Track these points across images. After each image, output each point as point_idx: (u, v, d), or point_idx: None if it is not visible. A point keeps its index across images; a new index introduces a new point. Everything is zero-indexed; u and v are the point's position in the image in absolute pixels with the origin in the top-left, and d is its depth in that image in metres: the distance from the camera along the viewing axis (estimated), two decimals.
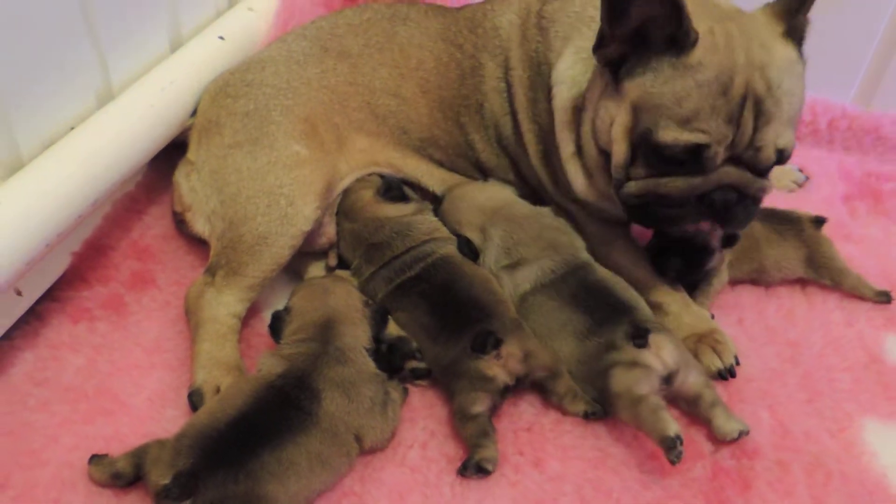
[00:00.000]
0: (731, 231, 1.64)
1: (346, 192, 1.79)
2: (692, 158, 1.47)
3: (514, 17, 1.83)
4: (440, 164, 1.89)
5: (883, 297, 1.81)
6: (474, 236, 1.72)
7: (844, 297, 1.84)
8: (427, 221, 1.73)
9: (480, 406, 1.44)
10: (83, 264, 1.70)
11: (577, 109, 1.68)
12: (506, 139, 1.84)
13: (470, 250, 1.70)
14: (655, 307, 1.66)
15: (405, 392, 1.53)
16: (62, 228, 1.47)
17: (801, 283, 1.87)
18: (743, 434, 1.46)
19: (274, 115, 1.71)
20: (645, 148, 1.51)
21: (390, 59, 1.85)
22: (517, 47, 1.79)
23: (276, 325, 1.49)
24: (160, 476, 1.24)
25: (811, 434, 1.52)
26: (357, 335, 1.47)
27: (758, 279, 1.85)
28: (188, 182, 1.73)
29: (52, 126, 1.56)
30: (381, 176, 1.81)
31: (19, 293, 1.56)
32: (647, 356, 1.45)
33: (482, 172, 1.89)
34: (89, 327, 1.61)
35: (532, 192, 1.85)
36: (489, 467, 1.39)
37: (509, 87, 1.80)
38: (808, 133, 2.39)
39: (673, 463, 1.33)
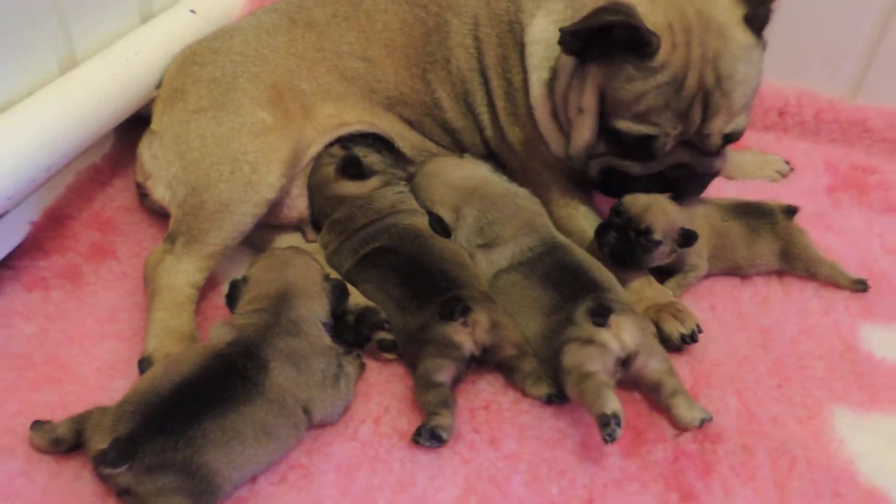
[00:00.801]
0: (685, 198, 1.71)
1: (314, 170, 1.76)
2: (644, 145, 1.58)
3: None
4: (410, 124, 1.87)
5: (859, 286, 1.76)
6: (447, 215, 1.69)
7: (822, 285, 1.79)
8: (390, 195, 1.70)
9: (444, 374, 1.41)
10: (42, 234, 1.67)
11: (554, 71, 1.69)
12: (471, 95, 1.83)
13: (442, 228, 1.68)
14: (618, 277, 1.63)
15: (362, 367, 1.49)
16: (12, 192, 1.44)
17: (778, 272, 1.83)
18: (705, 422, 1.42)
19: (241, 81, 1.69)
20: (603, 128, 1.61)
21: (356, 25, 1.84)
22: (485, 6, 1.79)
23: (233, 294, 1.45)
24: (99, 441, 1.21)
25: (778, 420, 1.48)
26: (313, 308, 1.43)
27: (732, 274, 1.81)
28: (150, 150, 1.70)
29: (10, 91, 1.54)
30: (344, 147, 1.78)
31: None
32: (603, 335, 1.41)
33: (449, 134, 1.87)
34: (44, 296, 1.58)
35: (493, 156, 1.86)
36: (444, 435, 1.35)
37: (478, 43, 1.79)
38: (794, 124, 2.35)
39: (605, 441, 1.29)
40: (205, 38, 1.81)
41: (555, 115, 1.71)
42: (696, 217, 1.71)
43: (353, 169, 1.72)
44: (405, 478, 1.32)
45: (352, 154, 1.75)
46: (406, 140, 1.86)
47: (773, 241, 1.78)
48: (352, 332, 1.50)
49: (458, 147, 1.91)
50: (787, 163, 2.22)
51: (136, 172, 1.76)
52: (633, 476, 1.36)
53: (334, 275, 1.60)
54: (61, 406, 1.37)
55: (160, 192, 1.67)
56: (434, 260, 1.56)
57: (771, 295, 1.77)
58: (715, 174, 1.71)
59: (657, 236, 1.60)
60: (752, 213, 1.80)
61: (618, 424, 1.28)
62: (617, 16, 1.47)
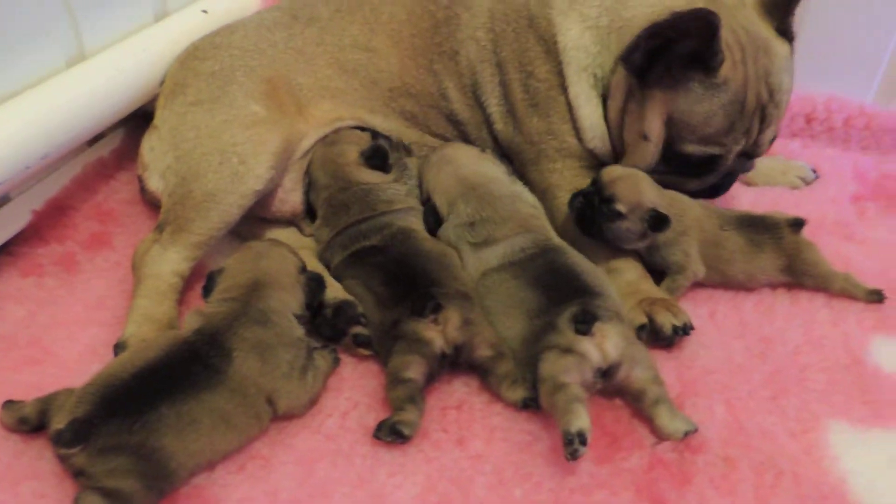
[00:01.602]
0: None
1: (330, 142, 1.75)
2: (707, 164, 1.68)
3: None
4: (412, 118, 1.85)
5: (874, 297, 1.66)
6: (442, 206, 1.67)
7: (835, 296, 1.70)
8: (390, 191, 1.68)
9: (414, 371, 1.38)
10: (43, 223, 1.72)
11: (597, 79, 1.72)
12: (480, 88, 1.81)
13: (434, 219, 1.66)
14: (613, 270, 1.62)
15: (336, 361, 1.48)
16: (4, 177, 1.48)
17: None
18: (689, 434, 1.36)
19: (237, 75, 1.71)
20: (666, 151, 1.66)
21: (361, 17, 1.84)
22: (499, 2, 1.80)
23: (209, 285, 1.46)
24: (59, 422, 1.23)
25: (768, 432, 1.40)
26: (284, 299, 1.42)
27: (731, 287, 1.72)
28: (149, 142, 1.74)
29: (14, 82, 1.58)
30: (374, 135, 1.78)
31: None
32: (584, 344, 1.35)
33: (455, 126, 1.86)
34: (37, 282, 1.62)
35: (500, 149, 1.84)
36: (405, 431, 1.32)
37: (493, 36, 1.79)
38: (822, 131, 2.25)
39: (567, 459, 1.24)
40: (208, 34, 1.83)
41: (605, 119, 1.73)
42: (685, 215, 1.65)
43: (378, 160, 1.72)
44: (365, 473, 1.30)
45: (381, 145, 1.75)
46: (405, 138, 1.84)
47: (776, 256, 1.69)
48: (328, 326, 1.48)
49: (464, 140, 1.88)
50: (814, 170, 2.12)
51: (137, 166, 1.79)
52: (602, 482, 1.30)
53: (318, 268, 1.60)
54: (38, 387, 1.38)
55: (154, 183, 1.70)
56: (419, 260, 1.54)
57: (777, 303, 1.69)
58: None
59: (620, 207, 1.57)
60: (754, 226, 1.70)
61: (582, 443, 1.23)
62: (703, 23, 1.48)
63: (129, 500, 1.18)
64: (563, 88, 1.74)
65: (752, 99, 1.58)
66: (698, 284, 1.70)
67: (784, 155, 2.18)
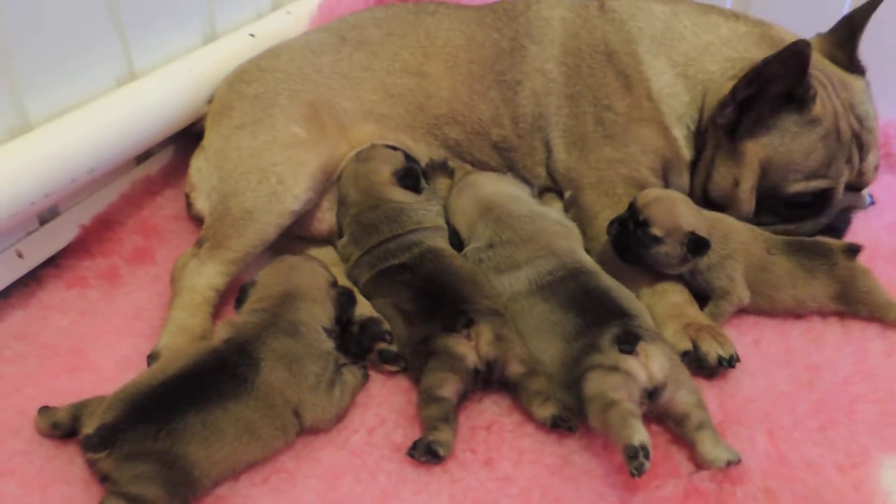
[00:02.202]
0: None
1: (364, 158, 1.75)
2: (819, 200, 1.68)
3: (565, 12, 1.86)
4: (456, 146, 1.85)
5: None
6: (463, 230, 1.67)
7: (890, 326, 1.62)
8: (420, 211, 1.67)
9: (448, 390, 1.36)
10: (90, 237, 1.76)
11: (688, 129, 1.75)
12: (545, 118, 1.81)
13: (457, 242, 1.66)
14: (657, 293, 1.58)
15: (365, 377, 1.46)
16: (50, 190, 1.53)
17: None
18: (731, 463, 1.29)
19: (280, 98, 1.74)
20: (770, 200, 1.67)
21: (414, 42, 1.86)
22: (572, 38, 1.82)
23: (241, 296, 1.47)
24: (88, 427, 1.24)
25: (814, 465, 1.32)
26: (315, 313, 1.42)
27: (778, 315, 1.65)
28: (196, 162, 1.78)
29: (65, 101, 1.64)
30: (406, 156, 1.79)
31: (20, 255, 1.63)
32: (630, 363, 1.31)
33: (500, 153, 1.85)
34: (81, 293, 1.66)
35: (549, 177, 1.84)
36: (440, 451, 1.29)
37: (565, 69, 1.81)
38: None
39: (632, 475, 1.18)
40: (255, 56, 1.87)
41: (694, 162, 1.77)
42: (730, 238, 1.60)
43: (411, 181, 1.72)
44: (389, 490, 1.27)
45: (414, 167, 1.76)
46: None
47: (829, 283, 1.61)
48: (353, 342, 1.48)
49: (508, 166, 1.87)
50: (870, 196, 2.04)
51: (184, 184, 1.83)
52: None
53: (349, 286, 1.59)
54: (75, 394, 1.41)
55: (201, 202, 1.73)
56: (449, 278, 1.53)
57: (827, 332, 1.61)
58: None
59: (655, 231, 1.52)
60: (806, 251, 1.63)
61: (646, 457, 1.19)
62: (796, 57, 1.53)
63: None
64: (649, 121, 1.75)
65: (846, 128, 1.62)
66: (744, 311, 1.64)
67: None
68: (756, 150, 1.64)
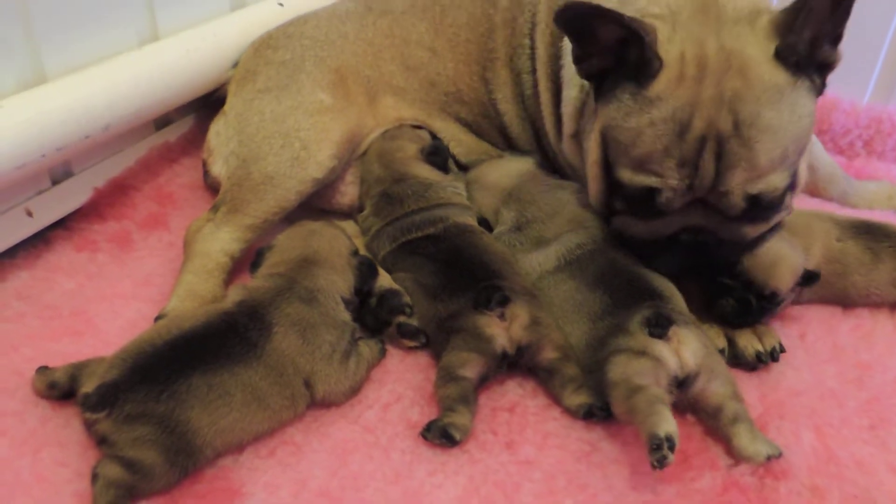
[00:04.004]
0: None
1: (390, 136, 1.69)
2: (647, 200, 1.33)
3: None
4: (467, 126, 1.78)
5: None
6: (490, 218, 1.59)
7: None
8: (448, 188, 1.60)
9: (469, 370, 1.27)
10: (103, 201, 1.70)
11: (583, 94, 1.54)
12: (527, 99, 1.71)
13: (488, 229, 1.57)
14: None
15: (383, 352, 1.38)
16: (62, 144, 1.47)
17: (891, 304, 1.56)
18: (772, 458, 1.19)
19: (307, 64, 1.67)
20: (612, 183, 1.39)
21: (430, 16, 1.78)
22: (545, 0, 1.67)
23: (257, 260, 1.40)
24: (87, 387, 1.17)
25: (865, 464, 1.22)
26: (333, 280, 1.34)
27: (836, 303, 1.56)
28: (216, 127, 1.71)
29: (84, 55, 1.58)
30: (433, 136, 1.73)
31: (30, 214, 1.57)
32: (660, 348, 1.22)
33: (507, 140, 1.76)
34: (90, 257, 1.59)
35: (556, 168, 1.71)
36: (456, 435, 1.21)
37: (532, 42, 1.68)
38: None
39: (654, 467, 1.09)
40: (283, 24, 1.81)
41: (577, 136, 1.57)
42: (813, 238, 1.50)
43: (438, 158, 1.66)
44: (402, 469, 1.19)
45: (442, 146, 1.70)
46: (462, 144, 1.78)
47: (894, 267, 1.51)
48: (371, 315, 1.39)
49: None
50: None
51: (202, 151, 1.77)
52: (667, 502, 1.15)
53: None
54: (75, 357, 1.33)
55: (217, 168, 1.67)
56: (477, 253, 1.44)
57: (877, 328, 1.51)
58: (755, 241, 1.38)
59: (784, 296, 1.42)
60: (872, 233, 1.54)
61: (671, 449, 1.09)
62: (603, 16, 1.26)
63: (150, 472, 1.11)
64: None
65: (701, 124, 1.25)
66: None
67: (889, 180, 2.00)
68: (601, 116, 1.38)
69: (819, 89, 1.34)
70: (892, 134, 2.09)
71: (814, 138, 1.90)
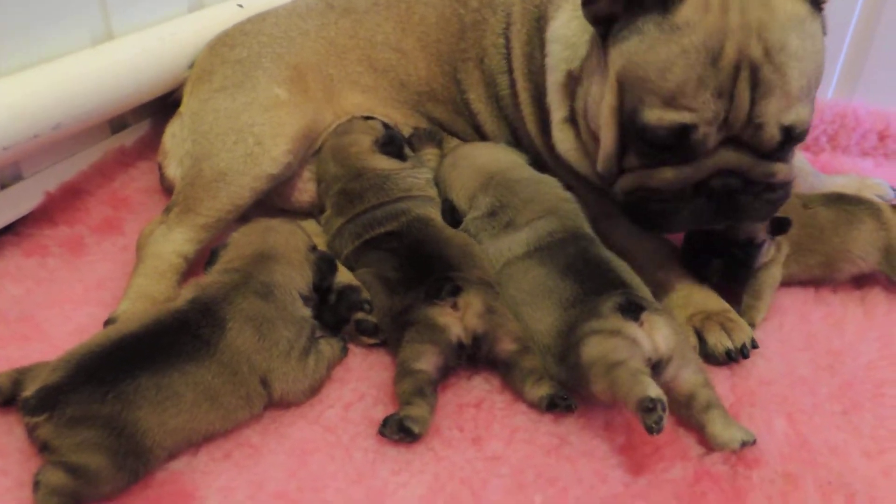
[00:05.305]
0: (739, 222, 1.38)
1: (341, 131, 1.65)
2: (680, 143, 1.26)
3: None
4: (441, 124, 1.74)
5: None
6: (462, 203, 1.54)
7: None
8: (409, 178, 1.55)
9: (425, 362, 1.24)
10: (55, 205, 1.64)
11: (571, 74, 1.50)
12: (502, 99, 1.68)
13: (452, 218, 1.53)
14: (660, 285, 1.43)
15: (344, 351, 1.34)
16: (9, 142, 1.41)
17: (861, 291, 1.55)
18: (746, 444, 1.17)
19: (264, 61, 1.63)
20: (633, 133, 1.31)
21: (395, 14, 1.75)
22: (519, 2, 1.64)
23: (212, 259, 1.34)
24: (28, 390, 1.11)
25: (838, 450, 1.20)
26: (291, 275, 1.29)
27: (823, 276, 1.55)
28: (171, 129, 1.67)
29: (35, 54, 1.54)
30: (385, 125, 1.67)
31: None
32: (634, 329, 1.19)
33: (482, 138, 1.73)
34: (40, 262, 1.53)
35: (536, 164, 1.65)
36: (415, 428, 1.16)
37: (507, 42, 1.64)
38: None
39: (650, 431, 1.06)
40: (240, 21, 1.77)
41: (572, 121, 1.52)
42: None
43: (394, 147, 1.61)
44: (365, 468, 1.14)
45: (396, 134, 1.65)
46: None
47: (876, 228, 1.51)
48: (330, 312, 1.35)
49: None
50: (893, 188, 1.92)
51: (158, 153, 1.72)
52: (639, 493, 1.11)
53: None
54: (22, 363, 1.26)
55: (172, 170, 1.63)
56: (436, 246, 1.41)
57: (848, 316, 1.49)
58: (781, 187, 1.33)
59: (760, 238, 1.42)
60: (845, 200, 1.55)
61: (664, 410, 1.06)
62: None
63: (95, 477, 1.05)
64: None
65: (732, 52, 1.21)
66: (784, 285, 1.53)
67: (856, 174, 1.99)
68: (616, 58, 1.31)
69: (824, 28, 1.32)
70: (857, 128, 2.09)
71: None
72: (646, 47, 1.26)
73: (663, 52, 1.23)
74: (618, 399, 1.12)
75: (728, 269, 1.44)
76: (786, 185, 1.34)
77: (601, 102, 1.36)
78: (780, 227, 1.43)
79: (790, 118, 1.25)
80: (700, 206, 1.31)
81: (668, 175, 1.30)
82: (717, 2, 1.24)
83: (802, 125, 1.27)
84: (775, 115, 1.24)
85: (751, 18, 1.22)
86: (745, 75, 1.22)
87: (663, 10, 1.25)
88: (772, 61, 1.22)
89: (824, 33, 1.32)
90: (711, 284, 1.46)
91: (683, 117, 1.23)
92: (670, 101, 1.24)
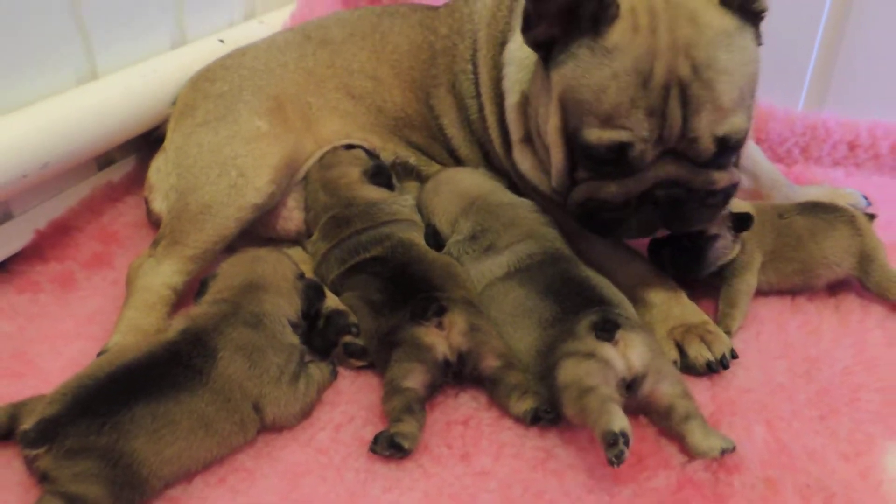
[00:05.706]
0: (687, 229, 1.43)
1: (328, 164, 1.68)
2: (620, 159, 1.32)
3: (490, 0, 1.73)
4: (418, 148, 1.79)
5: None
6: (444, 227, 1.58)
7: (889, 316, 1.54)
8: (395, 205, 1.60)
9: (413, 381, 1.27)
10: (45, 242, 1.67)
11: (525, 95, 1.55)
12: (473, 123, 1.73)
13: (436, 242, 1.57)
14: (640, 300, 1.47)
15: (333, 374, 1.37)
16: (1, 182, 1.44)
17: (836, 299, 1.59)
18: (726, 451, 1.20)
19: (245, 94, 1.68)
20: (578, 150, 1.36)
21: (371, 44, 1.80)
22: (485, 27, 1.69)
23: (201, 290, 1.38)
24: (27, 423, 1.13)
25: (816, 454, 1.23)
26: (279, 304, 1.33)
27: (802, 284, 1.59)
28: (156, 163, 1.70)
29: (21, 94, 1.57)
30: (369, 154, 1.72)
31: None
32: (607, 350, 1.23)
33: (457, 162, 1.78)
34: (32, 298, 1.56)
35: (509, 186, 1.70)
36: (405, 444, 1.19)
37: (475, 67, 1.70)
38: (867, 158, 2.12)
39: (611, 463, 1.09)
40: (221, 56, 1.82)
41: (529, 140, 1.57)
42: (760, 223, 1.54)
43: (382, 178, 1.66)
44: (357, 488, 1.17)
45: (383, 164, 1.70)
46: (415, 162, 1.78)
47: (851, 235, 1.55)
48: (319, 337, 1.38)
49: None
50: (866, 197, 1.98)
51: (144, 188, 1.75)
52: (624, 503, 1.14)
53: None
54: (16, 397, 1.30)
55: (158, 204, 1.66)
56: (420, 268, 1.45)
57: (823, 324, 1.53)
58: (722, 192, 1.38)
59: (713, 230, 1.45)
60: (822, 208, 1.60)
61: (626, 444, 1.09)
62: None
63: None
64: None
65: (661, 72, 1.26)
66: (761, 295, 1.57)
67: (829, 184, 2.05)
68: (557, 81, 1.36)
69: (758, 38, 1.37)
70: (827, 139, 2.15)
71: (754, 146, 1.96)
72: (581, 72, 1.31)
73: (596, 76, 1.29)
74: (587, 426, 1.16)
75: (678, 259, 1.49)
76: (728, 189, 1.40)
77: (548, 122, 1.41)
78: (741, 223, 1.47)
79: (723, 129, 1.30)
80: (647, 214, 1.37)
81: (612, 189, 1.36)
82: (645, 22, 1.29)
83: (737, 134, 1.32)
84: (708, 128, 1.29)
85: (678, 37, 1.28)
86: (676, 93, 1.28)
87: (595, 33, 1.30)
88: (700, 78, 1.27)
89: (759, 43, 1.37)
90: (672, 276, 1.51)
91: (620, 136, 1.29)
92: (607, 122, 1.30)
